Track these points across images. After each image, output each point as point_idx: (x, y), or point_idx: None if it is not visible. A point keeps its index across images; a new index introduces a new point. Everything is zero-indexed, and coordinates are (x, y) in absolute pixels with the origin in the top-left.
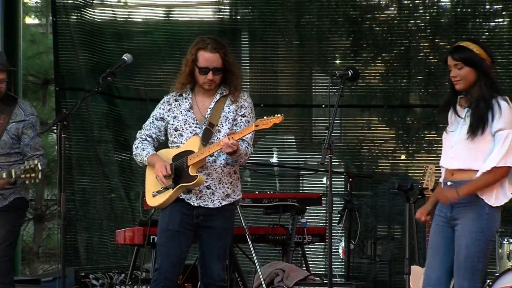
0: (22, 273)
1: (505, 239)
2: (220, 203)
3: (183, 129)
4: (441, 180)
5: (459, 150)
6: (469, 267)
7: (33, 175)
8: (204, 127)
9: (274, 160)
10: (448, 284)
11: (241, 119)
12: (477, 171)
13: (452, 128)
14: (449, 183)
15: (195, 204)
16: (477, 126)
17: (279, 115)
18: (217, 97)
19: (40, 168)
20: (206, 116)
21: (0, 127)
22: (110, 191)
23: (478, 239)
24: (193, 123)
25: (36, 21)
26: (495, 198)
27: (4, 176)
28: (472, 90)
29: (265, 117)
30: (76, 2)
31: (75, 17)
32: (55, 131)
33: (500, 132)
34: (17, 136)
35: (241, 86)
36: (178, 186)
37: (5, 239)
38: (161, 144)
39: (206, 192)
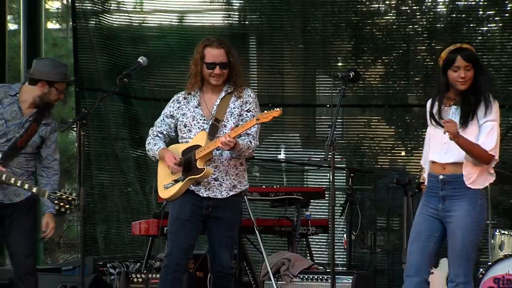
0: (44, 262)
1: (497, 231)
2: (228, 194)
3: (191, 125)
4: (425, 175)
5: (452, 145)
6: (464, 257)
7: (67, 206)
8: (210, 122)
9: (282, 156)
10: (427, 269)
11: (247, 114)
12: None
13: (439, 126)
14: (441, 176)
15: (204, 195)
16: (468, 117)
17: (277, 109)
18: (223, 94)
19: (75, 203)
20: (213, 112)
21: (33, 128)
22: (126, 185)
23: (474, 230)
24: (200, 119)
25: (57, 26)
26: (481, 182)
27: (34, 191)
28: (468, 90)
29: (265, 111)
30: (94, 8)
31: (93, 22)
32: (75, 129)
33: (486, 123)
34: (43, 138)
35: (245, 82)
36: (187, 178)
37: (30, 236)
38: (172, 139)
39: (214, 183)
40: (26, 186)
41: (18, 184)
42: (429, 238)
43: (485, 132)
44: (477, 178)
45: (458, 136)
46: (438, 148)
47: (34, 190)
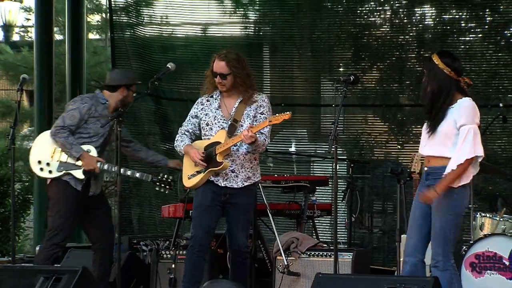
0: (86, 241)
1: (478, 213)
2: (243, 184)
3: (212, 124)
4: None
5: (430, 140)
6: (442, 237)
7: (167, 186)
8: (229, 122)
9: (293, 149)
10: (424, 249)
11: (260, 116)
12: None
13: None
14: (426, 168)
15: (222, 185)
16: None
17: (287, 112)
18: (240, 98)
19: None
20: (231, 113)
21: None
22: (157, 174)
23: (450, 215)
24: (220, 119)
25: (97, 36)
26: (458, 183)
27: (137, 175)
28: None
29: (276, 114)
30: (129, 21)
31: (128, 33)
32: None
33: (463, 127)
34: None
35: (256, 88)
36: (208, 170)
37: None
38: (197, 137)
39: (231, 175)
40: (129, 172)
41: (122, 171)
42: (423, 222)
43: (462, 138)
44: (462, 177)
45: (439, 191)
46: (422, 142)
47: (138, 175)
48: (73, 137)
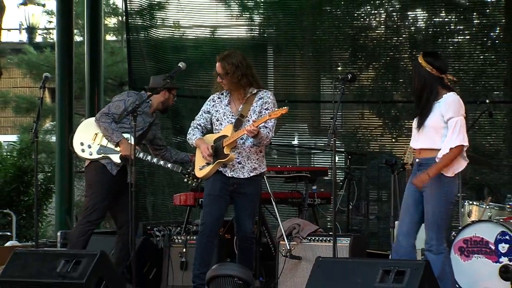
0: (103, 227)
1: (466, 201)
2: (249, 175)
3: (222, 119)
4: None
5: (422, 134)
6: (435, 223)
7: (194, 180)
8: (237, 117)
9: (296, 142)
10: (415, 234)
11: (265, 112)
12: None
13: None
14: (417, 160)
15: (229, 175)
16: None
17: (285, 107)
18: (248, 95)
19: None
20: (239, 109)
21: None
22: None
23: (442, 202)
24: (229, 115)
25: (114, 38)
26: (451, 171)
27: (169, 166)
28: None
29: (275, 109)
30: (144, 24)
31: (143, 35)
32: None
33: (451, 120)
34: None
35: (261, 86)
36: (216, 162)
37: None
38: (208, 131)
39: (237, 166)
40: (161, 163)
41: (155, 161)
42: (415, 209)
43: (451, 129)
44: (451, 168)
45: (431, 175)
46: (414, 136)
47: (169, 165)
48: (115, 124)
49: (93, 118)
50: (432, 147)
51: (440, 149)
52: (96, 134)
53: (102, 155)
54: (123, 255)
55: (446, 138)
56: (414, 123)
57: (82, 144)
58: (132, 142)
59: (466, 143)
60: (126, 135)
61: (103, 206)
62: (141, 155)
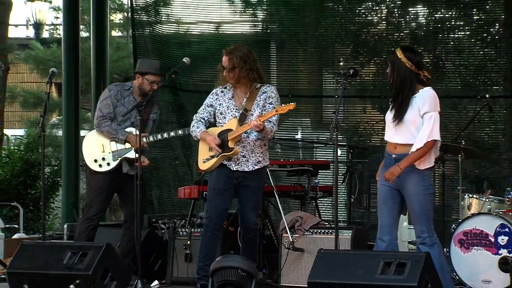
0: (109, 219)
1: (466, 194)
2: (253, 167)
3: (226, 113)
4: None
5: (399, 128)
6: (424, 216)
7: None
8: (240, 111)
9: (299, 136)
10: (396, 227)
11: (269, 106)
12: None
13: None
14: (394, 155)
15: (234, 169)
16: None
17: (292, 103)
18: (252, 89)
19: None
20: (243, 103)
21: (146, 114)
22: (174, 159)
23: (426, 195)
24: (233, 109)
25: (120, 33)
26: (423, 165)
27: (180, 132)
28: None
29: (282, 105)
30: (149, 19)
31: (148, 30)
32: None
33: (427, 114)
34: (154, 122)
35: (266, 80)
36: (220, 155)
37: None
38: (211, 124)
39: (242, 159)
40: (172, 133)
41: (165, 136)
42: (393, 203)
43: (426, 124)
44: (424, 161)
45: (402, 167)
46: (389, 130)
47: (180, 132)
48: (115, 123)
49: (90, 133)
50: (410, 142)
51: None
52: (103, 144)
53: (119, 159)
54: (129, 248)
55: (421, 132)
56: (389, 116)
57: (96, 161)
58: (134, 133)
59: (439, 138)
60: (128, 129)
61: (98, 201)
62: (151, 138)
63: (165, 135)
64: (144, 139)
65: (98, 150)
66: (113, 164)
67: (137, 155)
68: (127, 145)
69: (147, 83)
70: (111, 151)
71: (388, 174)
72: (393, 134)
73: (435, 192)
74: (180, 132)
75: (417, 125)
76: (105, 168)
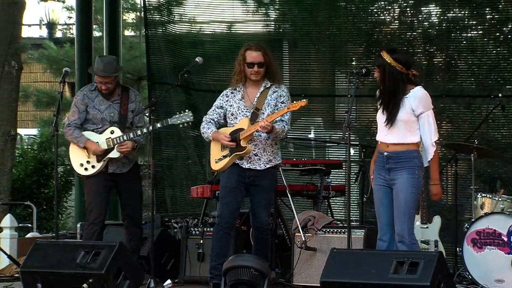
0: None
1: (479, 194)
2: (265, 166)
3: (237, 113)
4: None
5: (392, 128)
6: (407, 214)
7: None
8: (252, 111)
9: (312, 136)
10: (393, 227)
11: (281, 105)
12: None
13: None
14: (386, 153)
15: (246, 167)
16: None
17: (304, 99)
18: (262, 88)
19: None
20: (254, 102)
21: (125, 107)
22: (187, 158)
23: (412, 193)
24: (244, 109)
25: (132, 33)
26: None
27: (159, 125)
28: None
29: (294, 102)
30: (162, 19)
31: (161, 30)
32: (147, 114)
33: (423, 114)
34: (132, 112)
35: (281, 79)
36: (233, 154)
37: (140, 193)
38: (221, 126)
39: (254, 158)
40: (158, 125)
41: (151, 128)
42: (389, 203)
43: (425, 125)
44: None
45: (438, 183)
46: (381, 131)
47: (159, 124)
48: (79, 130)
49: None
50: (401, 142)
51: (410, 143)
52: (86, 148)
53: (102, 161)
54: (133, 246)
55: (426, 137)
56: (380, 117)
57: (82, 165)
58: (119, 133)
59: (437, 136)
60: (109, 129)
61: (96, 205)
62: (131, 135)
63: (151, 128)
64: (114, 142)
65: (83, 154)
66: (98, 166)
67: (141, 157)
68: (110, 145)
69: (98, 82)
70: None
71: (435, 195)
72: (385, 134)
73: (420, 190)
74: (158, 125)
75: (410, 124)
76: (91, 171)
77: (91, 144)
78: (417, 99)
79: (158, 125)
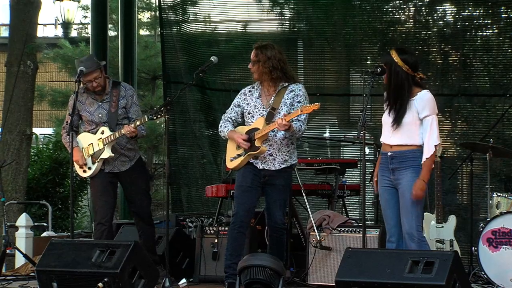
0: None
1: (494, 193)
2: (280, 166)
3: (254, 112)
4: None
5: (396, 130)
6: (414, 212)
7: (161, 114)
8: (268, 110)
9: (327, 135)
10: (401, 227)
11: (297, 104)
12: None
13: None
14: (389, 153)
15: (261, 167)
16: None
17: (317, 103)
18: (279, 88)
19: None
20: (270, 102)
21: (114, 104)
22: (202, 157)
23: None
24: (261, 108)
25: (148, 32)
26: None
27: (138, 123)
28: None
29: (307, 105)
30: (177, 18)
31: (176, 29)
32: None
33: (428, 118)
34: (124, 108)
35: (296, 78)
36: (247, 153)
37: (147, 189)
38: (238, 124)
39: (269, 158)
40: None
41: (138, 123)
42: (395, 203)
43: (428, 128)
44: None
45: (426, 181)
46: (386, 132)
47: (138, 122)
48: (70, 135)
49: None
50: (405, 143)
51: (414, 145)
52: (83, 149)
53: (97, 161)
54: (141, 243)
55: (427, 138)
56: (387, 119)
57: (81, 167)
58: (108, 133)
59: (439, 141)
60: (100, 129)
61: (100, 205)
62: (117, 135)
63: (138, 122)
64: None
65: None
66: (94, 167)
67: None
68: (101, 146)
69: (85, 81)
70: (89, 155)
71: (417, 192)
72: (389, 136)
73: (426, 188)
74: (146, 118)
75: (415, 127)
76: (88, 172)
77: (75, 153)
78: (423, 102)
79: (146, 118)
